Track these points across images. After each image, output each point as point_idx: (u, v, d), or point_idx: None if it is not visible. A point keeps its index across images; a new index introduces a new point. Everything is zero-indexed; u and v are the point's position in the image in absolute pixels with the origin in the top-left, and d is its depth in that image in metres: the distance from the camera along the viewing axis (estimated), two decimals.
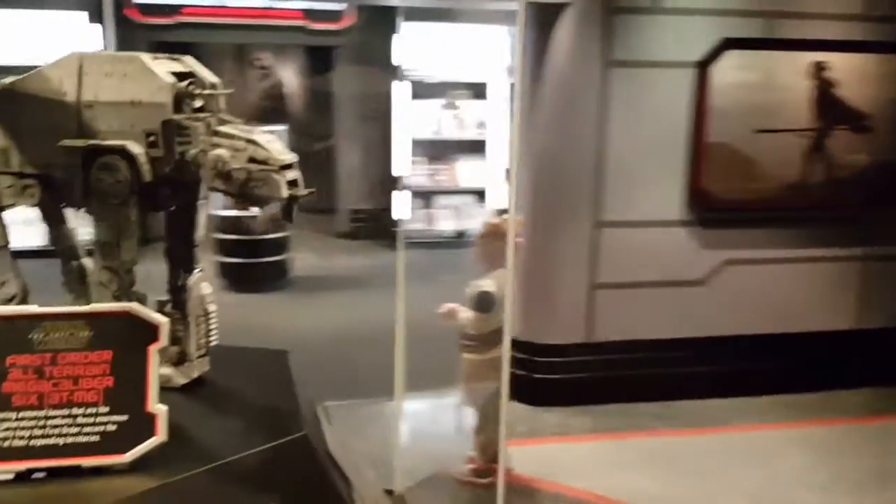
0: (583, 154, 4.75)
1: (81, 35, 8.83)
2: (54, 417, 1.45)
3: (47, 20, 8.27)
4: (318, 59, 10.49)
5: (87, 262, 1.89)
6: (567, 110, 4.76)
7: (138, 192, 1.59)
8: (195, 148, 1.58)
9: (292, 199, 1.59)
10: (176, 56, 1.72)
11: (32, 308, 1.49)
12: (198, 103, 1.66)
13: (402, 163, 8.47)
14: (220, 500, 1.48)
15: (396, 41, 8.75)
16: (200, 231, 1.86)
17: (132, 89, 1.57)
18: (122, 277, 1.62)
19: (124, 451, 1.46)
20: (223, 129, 1.60)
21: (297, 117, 10.85)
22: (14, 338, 1.47)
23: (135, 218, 1.61)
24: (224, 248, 7.51)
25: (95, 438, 1.46)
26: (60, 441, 1.45)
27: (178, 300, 1.82)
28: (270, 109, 10.76)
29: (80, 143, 1.57)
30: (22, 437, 1.43)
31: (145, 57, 1.59)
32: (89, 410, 1.47)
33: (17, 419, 1.44)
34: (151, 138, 1.58)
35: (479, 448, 3.93)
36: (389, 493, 3.26)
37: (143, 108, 1.57)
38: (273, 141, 1.62)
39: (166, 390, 1.79)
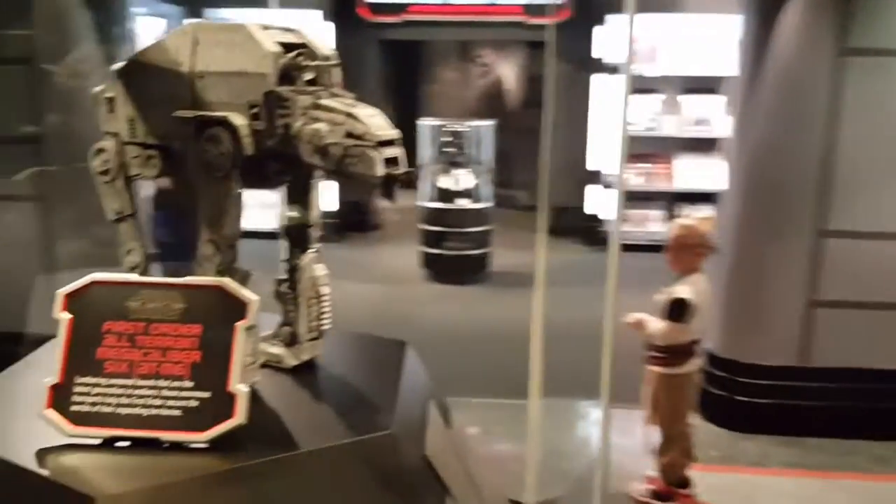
0: (807, 153, 4.20)
1: (315, 33, 9.41)
2: (141, 388, 1.44)
3: (283, 19, 8.89)
4: (536, 54, 10.39)
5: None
6: (792, 103, 4.23)
7: (242, 165, 1.55)
8: (296, 121, 1.50)
9: (389, 179, 1.46)
10: (289, 26, 1.66)
11: (132, 276, 1.50)
12: (308, 75, 1.59)
13: (609, 160, 8.12)
14: (288, 490, 1.38)
15: (601, 33, 8.41)
16: (316, 211, 1.79)
17: (239, 59, 1.52)
18: (224, 252, 1.59)
19: (203, 429, 1.41)
20: (325, 101, 1.51)
21: (513, 113, 10.82)
22: (112, 304, 1.48)
23: (237, 192, 1.57)
24: (428, 238, 7.64)
25: (177, 413, 1.43)
26: (144, 412, 1.43)
27: (293, 280, 1.76)
28: (487, 106, 10.84)
29: (189, 114, 1.55)
30: (110, 404, 1.43)
31: (253, 26, 1.54)
32: (174, 384, 1.44)
33: (107, 385, 1.44)
34: (254, 110, 1.53)
35: (662, 469, 3.62)
36: None
37: (248, 78, 1.52)
38: (374, 115, 1.50)
39: (276, 371, 1.76)
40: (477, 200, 7.64)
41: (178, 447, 1.41)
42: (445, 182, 7.60)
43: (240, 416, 1.42)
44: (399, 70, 11.94)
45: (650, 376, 3.56)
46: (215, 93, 1.55)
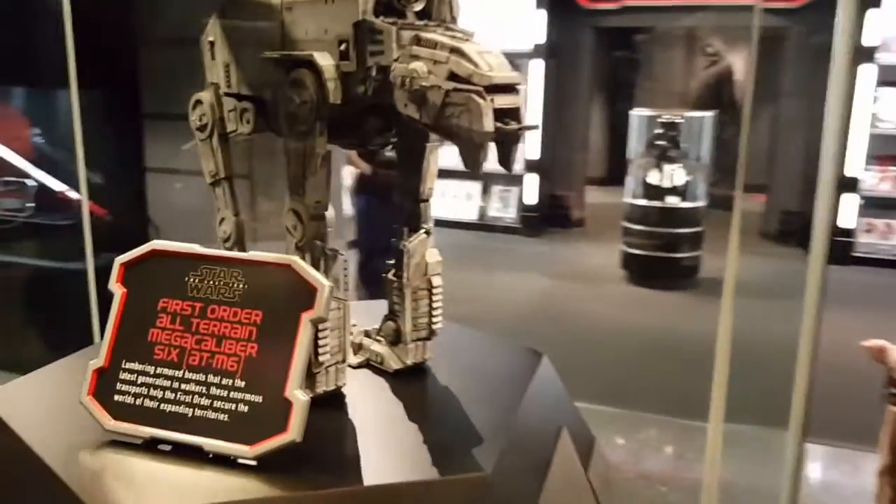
0: None
1: (528, 20, 9.14)
2: (189, 382, 1.19)
3: (496, 6, 8.67)
4: (771, 42, 9.37)
5: None
6: None
7: (332, 119, 1.25)
8: (389, 60, 1.17)
9: (500, 136, 1.09)
10: None
11: (193, 246, 1.25)
12: (418, 5, 1.25)
13: (855, 161, 7.06)
14: None
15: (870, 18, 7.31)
16: (430, 182, 1.45)
17: None
18: (307, 224, 1.29)
19: (251, 442, 1.13)
20: (428, 34, 1.16)
21: (741, 107, 9.84)
22: (171, 278, 1.24)
23: (324, 151, 1.26)
24: (632, 238, 7.08)
25: (224, 417, 1.16)
26: (189, 412, 1.18)
27: (400, 267, 1.44)
28: (713, 97, 9.97)
29: (274, 54, 1.28)
30: (154, 398, 1.20)
31: None
32: (225, 381, 1.17)
33: (154, 374, 1.21)
34: (343, 46, 1.22)
35: None
36: None
37: (337, 6, 1.21)
38: (488, 52, 1.13)
39: (376, 373, 1.45)
40: (689, 199, 6.95)
41: (223, 459, 1.15)
42: (654, 177, 6.99)
43: (293, 432, 1.12)
44: (615, 59, 11.35)
45: (890, 417, 2.90)
46: (303, 27, 1.26)
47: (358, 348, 1.53)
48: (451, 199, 9.08)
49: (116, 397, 1.21)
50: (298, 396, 1.13)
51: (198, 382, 1.18)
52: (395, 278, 1.45)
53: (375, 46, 1.18)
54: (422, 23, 1.24)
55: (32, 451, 1.17)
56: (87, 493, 1.08)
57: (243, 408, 1.16)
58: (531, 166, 8.93)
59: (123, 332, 1.24)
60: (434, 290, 1.45)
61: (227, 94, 1.43)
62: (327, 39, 1.23)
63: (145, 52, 5.34)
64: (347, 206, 6.89)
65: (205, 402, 1.17)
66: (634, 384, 4.68)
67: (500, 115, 1.10)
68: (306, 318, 1.16)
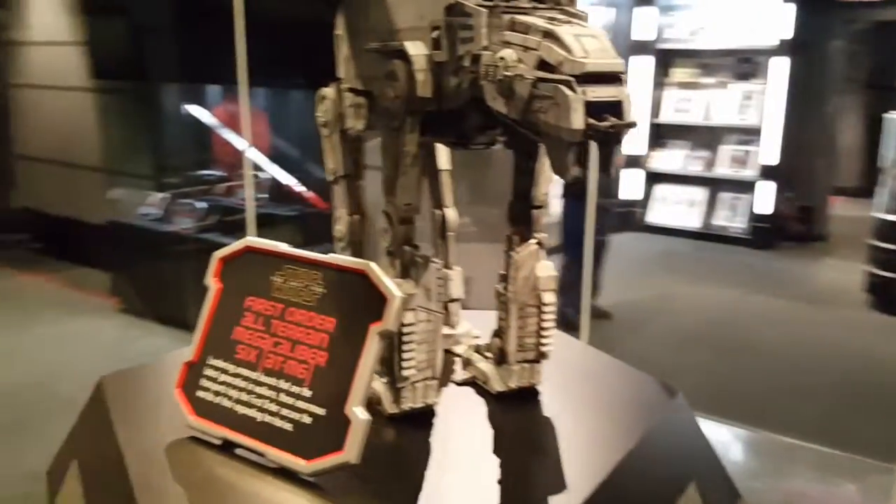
0: None
1: (773, 14, 8.40)
2: (262, 385, 1.15)
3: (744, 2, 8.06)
4: None
5: (450, 213, 1.53)
6: None
7: (430, 115, 1.15)
8: (479, 47, 1.04)
9: (596, 135, 0.93)
10: None
11: (281, 245, 1.21)
12: None
13: None
14: None
15: None
16: (544, 186, 1.30)
17: None
18: (395, 227, 1.20)
19: (310, 456, 1.07)
20: (524, 17, 1.02)
21: None
22: (259, 276, 1.21)
23: (414, 149, 1.16)
24: (879, 258, 6.24)
25: (289, 427, 1.11)
26: (259, 417, 1.14)
27: (507, 278, 1.31)
28: None
29: (373, 45, 1.20)
30: (230, 398, 1.17)
31: None
32: (294, 388, 1.12)
33: (233, 374, 1.19)
34: (435, 34, 1.11)
35: None
36: None
37: None
38: (590, 36, 0.96)
39: (479, 393, 1.34)
40: None
41: (283, 471, 1.09)
42: None
43: (348, 452, 1.04)
44: (876, 58, 10.11)
45: None
46: (404, 14, 1.17)
47: (466, 364, 1.42)
48: (673, 204, 8.58)
49: (199, 393, 1.20)
50: (357, 415, 1.05)
51: (269, 387, 1.14)
52: (503, 291, 1.32)
53: (466, 32, 1.06)
54: (530, 5, 1.10)
55: (118, 441, 1.19)
56: (145, 492, 1.07)
57: (307, 419, 1.10)
58: (767, 172, 8.18)
59: (214, 327, 1.23)
60: (544, 308, 1.30)
61: (347, 89, 1.38)
62: (423, 27, 1.13)
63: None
64: (555, 210, 6.77)
65: (273, 408, 1.13)
66: (876, 428, 4.10)
67: (597, 109, 0.94)
68: (374, 330, 1.07)
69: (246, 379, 1.17)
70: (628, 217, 8.52)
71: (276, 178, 5.99)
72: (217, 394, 1.19)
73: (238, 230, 6.34)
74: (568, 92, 0.92)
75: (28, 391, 4.63)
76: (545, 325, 1.30)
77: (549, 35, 0.96)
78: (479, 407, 1.32)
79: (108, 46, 6.20)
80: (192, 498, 1.07)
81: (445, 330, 1.53)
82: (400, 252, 1.20)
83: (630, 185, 8.59)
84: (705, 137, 8.54)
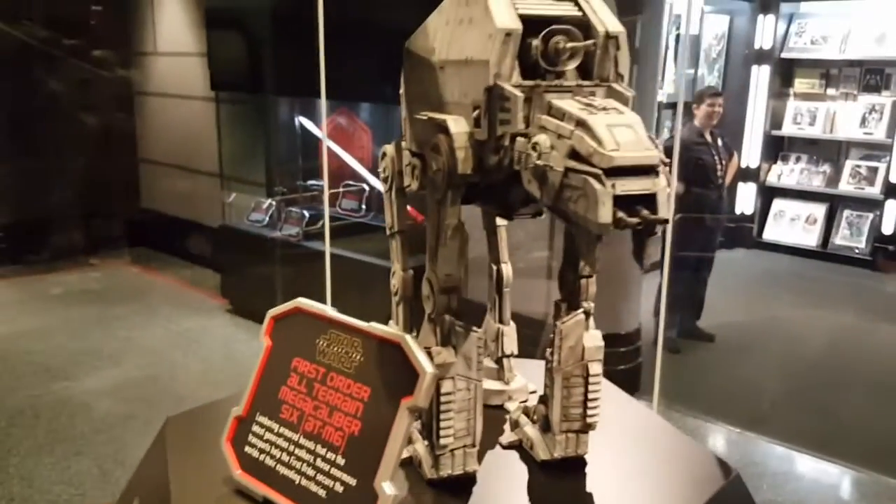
0: None
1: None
2: (302, 448, 1.19)
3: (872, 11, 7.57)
4: None
5: (506, 269, 1.53)
6: None
7: (474, 188, 1.15)
8: (516, 130, 1.03)
9: (625, 228, 0.90)
10: None
11: (328, 309, 1.24)
12: (570, 64, 1.08)
13: None
14: None
15: None
16: (592, 254, 1.26)
17: (471, 40, 1.11)
18: (436, 297, 1.20)
19: None
20: (560, 103, 1.00)
21: None
22: (306, 339, 1.25)
23: (455, 222, 1.16)
24: None
25: (322, 493, 1.13)
26: (297, 479, 1.17)
27: (553, 347, 1.29)
28: None
29: (423, 115, 1.21)
30: (274, 457, 1.21)
31: None
32: (329, 454, 1.15)
33: (277, 433, 1.23)
34: (475, 113, 1.10)
35: None
36: None
37: (473, 68, 1.10)
38: (623, 126, 0.94)
39: (522, 459, 1.33)
40: None
41: None
42: None
43: None
44: None
45: None
46: (451, 88, 1.18)
47: (514, 426, 1.41)
48: (789, 221, 8.17)
49: (247, 448, 1.25)
50: (384, 490, 1.06)
51: (308, 451, 1.18)
52: (550, 359, 1.30)
53: (504, 115, 1.06)
54: (574, 83, 1.09)
55: (169, 486, 1.26)
56: None
57: (339, 487, 1.12)
58: (894, 190, 7.68)
59: (263, 385, 1.28)
60: (591, 379, 1.27)
61: (406, 148, 1.39)
62: (465, 104, 1.13)
63: None
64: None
65: (311, 472, 1.16)
66: None
67: (628, 202, 0.91)
68: (405, 405, 1.09)
69: (288, 440, 1.21)
70: (740, 233, 8.19)
71: (377, 189, 6.13)
72: (262, 451, 1.23)
73: (338, 238, 6.53)
74: (596, 185, 0.90)
75: (143, 385, 4.94)
76: (592, 395, 1.28)
77: (581, 124, 0.95)
78: (521, 474, 1.30)
79: (227, 59, 6.51)
80: None
81: (498, 385, 1.54)
82: (440, 320, 1.20)
83: (743, 199, 8.24)
84: (827, 151, 8.09)
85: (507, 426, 1.43)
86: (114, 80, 7.71)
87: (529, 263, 4.97)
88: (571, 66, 1.09)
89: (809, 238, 8.04)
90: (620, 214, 0.91)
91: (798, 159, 8.26)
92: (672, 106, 6.84)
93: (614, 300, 5.12)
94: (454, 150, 1.11)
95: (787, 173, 8.26)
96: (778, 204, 8.31)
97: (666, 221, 0.92)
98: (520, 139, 1.02)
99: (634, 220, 0.90)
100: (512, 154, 1.06)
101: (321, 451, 1.16)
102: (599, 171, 0.91)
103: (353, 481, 1.11)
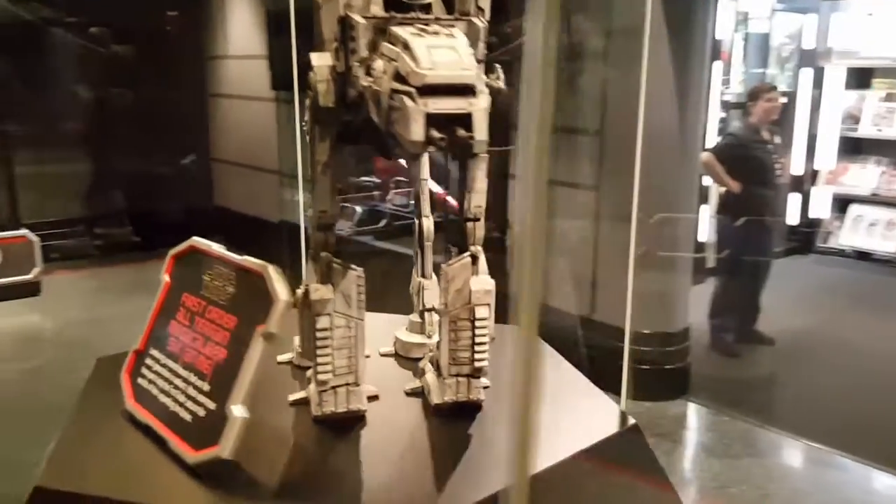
0: None
1: None
2: (178, 377, 1.21)
3: None
4: None
5: (428, 223, 1.52)
6: None
7: (348, 124, 1.15)
8: (358, 57, 1.03)
9: (445, 148, 0.89)
10: None
11: (215, 246, 1.26)
12: None
13: None
14: None
15: None
16: (477, 198, 1.24)
17: None
18: (312, 234, 1.21)
19: (197, 448, 1.12)
20: (397, 29, 0.99)
21: None
22: (195, 274, 1.28)
23: (324, 158, 1.16)
24: None
25: (189, 418, 1.16)
26: (171, 406, 1.20)
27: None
28: None
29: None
30: (156, 386, 1.25)
31: None
32: (199, 382, 1.17)
33: (162, 364, 1.26)
34: (335, 45, 1.11)
35: None
36: None
37: (335, 2, 1.10)
38: (448, 47, 0.93)
39: (418, 404, 1.32)
40: None
41: (178, 458, 1.15)
42: None
43: (224, 448, 1.07)
44: None
45: None
46: (326, 26, 1.18)
47: (421, 373, 1.40)
48: (866, 226, 7.74)
49: (139, 380, 1.29)
50: (236, 413, 1.08)
51: (183, 379, 1.20)
52: (441, 305, 1.29)
53: (352, 44, 1.06)
54: (433, 17, 1.08)
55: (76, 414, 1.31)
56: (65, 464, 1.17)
57: (202, 412, 1.14)
58: None
59: (159, 320, 1.31)
60: (478, 323, 1.25)
61: None
62: (331, 39, 1.14)
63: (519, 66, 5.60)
64: (706, 231, 6.34)
65: (182, 398, 1.19)
66: None
67: (445, 121, 0.90)
68: (259, 332, 1.10)
69: (171, 370, 1.24)
70: (812, 238, 7.83)
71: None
72: (150, 381, 1.27)
73: (392, 234, 6.61)
74: (409, 103, 0.90)
75: None
76: (479, 339, 1.25)
77: (406, 46, 0.95)
78: (411, 419, 1.30)
79: (285, 60, 6.69)
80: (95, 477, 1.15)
81: (419, 339, 1.53)
82: (318, 258, 1.21)
83: (818, 203, 7.87)
84: None
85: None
86: (189, 83, 8.05)
87: None
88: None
89: (887, 244, 7.60)
90: (433, 132, 0.90)
91: (878, 162, 7.84)
92: (740, 105, 6.61)
93: (661, 298, 4.98)
94: (315, 84, 1.12)
95: (864, 176, 7.85)
96: (854, 209, 7.90)
97: (479, 140, 0.90)
98: (356, 65, 1.02)
99: (439, 136, 0.89)
100: (360, 84, 1.06)
101: (193, 379, 1.19)
102: (413, 90, 0.90)
103: (213, 406, 1.13)
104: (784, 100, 5.64)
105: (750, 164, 5.43)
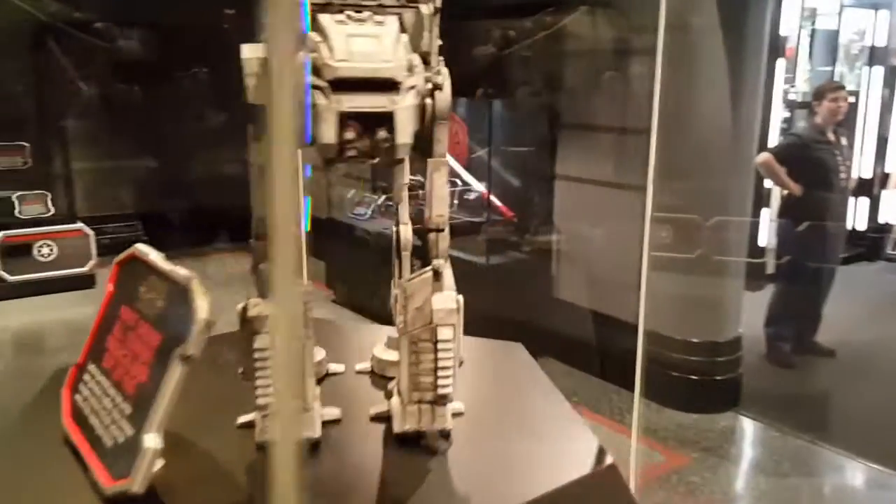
0: None
1: None
2: (107, 396, 1.11)
3: None
4: None
5: (406, 231, 1.38)
6: None
7: None
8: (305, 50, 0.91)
9: (359, 150, 0.77)
10: None
11: (152, 254, 1.16)
12: None
13: None
14: None
15: None
16: (438, 207, 1.09)
17: None
18: (254, 245, 1.08)
19: (113, 477, 1.01)
20: (322, 16, 0.87)
21: None
22: (133, 285, 1.17)
23: (258, 161, 1.03)
24: None
25: (110, 442, 1.06)
26: (97, 427, 1.10)
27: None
28: None
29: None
30: (89, 404, 1.15)
31: None
32: (123, 404, 1.07)
33: (95, 381, 1.16)
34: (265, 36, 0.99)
35: None
36: None
37: None
38: (367, 35, 0.80)
39: (382, 432, 1.20)
40: None
41: (94, 484, 1.04)
42: None
43: (133, 481, 0.96)
44: None
45: None
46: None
47: (389, 396, 1.27)
48: None
49: (76, 396, 1.19)
50: (149, 443, 0.97)
51: (111, 399, 1.10)
52: (400, 324, 1.16)
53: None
54: (375, 4, 0.95)
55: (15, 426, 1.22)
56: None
57: (121, 438, 1.04)
58: None
59: (99, 332, 1.22)
60: (440, 345, 1.11)
61: None
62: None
63: (562, 64, 5.42)
64: (766, 235, 6.03)
65: (107, 420, 1.09)
66: None
67: (366, 120, 0.78)
68: (176, 353, 0.98)
69: (102, 388, 1.14)
70: (881, 244, 7.40)
71: (468, 186, 6.05)
72: (84, 399, 1.17)
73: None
74: (320, 100, 0.77)
75: None
76: (442, 363, 1.11)
77: (325, 36, 0.82)
78: (368, 448, 1.17)
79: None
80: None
81: (395, 356, 1.40)
82: (257, 270, 1.09)
83: (886, 207, 7.44)
84: None
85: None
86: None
87: None
88: None
89: None
90: (347, 134, 0.77)
91: None
92: (805, 105, 6.28)
93: (713, 305, 4.75)
94: (245, 78, 1.00)
95: None
96: None
97: (400, 143, 0.77)
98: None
99: (351, 135, 0.76)
100: None
101: (119, 400, 1.08)
102: (325, 84, 0.78)
103: (131, 432, 1.02)
104: (852, 99, 5.30)
105: (813, 165, 5.14)
